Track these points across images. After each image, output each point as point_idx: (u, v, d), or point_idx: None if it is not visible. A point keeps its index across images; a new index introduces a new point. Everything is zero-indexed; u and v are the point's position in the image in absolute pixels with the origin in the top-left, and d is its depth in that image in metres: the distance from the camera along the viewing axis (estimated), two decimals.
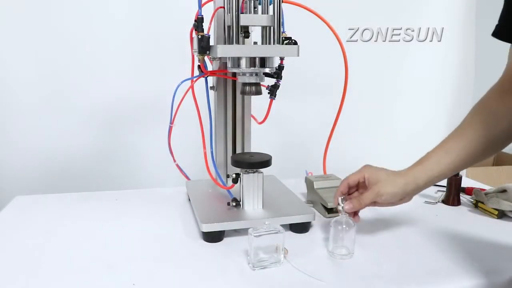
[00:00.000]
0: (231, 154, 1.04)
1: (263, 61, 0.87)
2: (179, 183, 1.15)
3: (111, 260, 0.80)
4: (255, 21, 0.88)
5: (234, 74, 0.98)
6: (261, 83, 0.92)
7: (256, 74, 0.89)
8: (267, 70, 0.89)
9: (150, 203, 1.09)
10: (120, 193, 1.16)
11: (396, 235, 0.91)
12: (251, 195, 0.93)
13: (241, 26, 0.86)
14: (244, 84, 0.90)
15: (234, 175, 0.96)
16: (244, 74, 0.89)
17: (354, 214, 0.89)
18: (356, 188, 0.91)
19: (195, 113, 0.98)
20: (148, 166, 1.47)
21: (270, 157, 0.94)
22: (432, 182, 0.86)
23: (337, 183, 1.06)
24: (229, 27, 0.85)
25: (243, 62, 0.87)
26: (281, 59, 0.93)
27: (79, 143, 1.42)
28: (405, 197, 0.87)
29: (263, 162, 0.92)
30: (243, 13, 0.87)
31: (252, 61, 0.87)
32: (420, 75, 1.64)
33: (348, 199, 0.87)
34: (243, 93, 0.91)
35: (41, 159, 1.41)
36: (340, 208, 0.85)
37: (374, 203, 0.87)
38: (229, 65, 0.89)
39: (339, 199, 0.85)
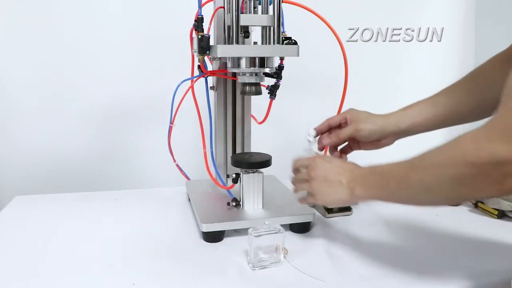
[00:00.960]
0: (231, 154, 1.04)
1: (263, 61, 0.87)
2: (179, 183, 1.15)
3: (111, 260, 0.80)
4: (255, 21, 0.89)
5: (234, 74, 0.98)
6: (261, 83, 0.92)
7: (256, 74, 0.89)
8: (267, 70, 0.89)
9: (150, 203, 1.09)
10: (120, 193, 1.16)
11: (396, 235, 0.91)
12: (251, 195, 0.93)
13: (241, 26, 0.86)
14: (244, 84, 0.90)
15: (234, 175, 0.96)
16: (244, 74, 0.89)
17: (341, 153, 0.94)
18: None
19: (195, 113, 0.98)
20: (148, 166, 1.47)
21: (270, 157, 0.94)
22: (415, 130, 0.88)
23: None
24: (229, 27, 0.85)
25: (243, 62, 0.87)
26: (281, 59, 0.93)
27: (79, 143, 1.42)
28: (385, 137, 0.89)
29: (263, 162, 0.92)
30: (243, 13, 0.87)
31: (252, 61, 0.87)
32: (420, 75, 1.64)
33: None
34: (243, 93, 0.91)
35: (41, 159, 1.41)
36: (308, 138, 0.89)
37: (354, 142, 0.92)
38: (229, 65, 0.89)
39: (311, 130, 0.90)
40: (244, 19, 0.86)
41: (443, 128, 0.89)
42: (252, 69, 0.87)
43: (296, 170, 0.88)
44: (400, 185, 0.67)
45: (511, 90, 0.56)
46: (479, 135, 0.55)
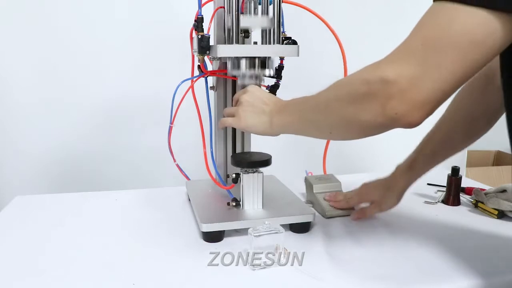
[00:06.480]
0: (231, 154, 1.04)
1: (263, 63, 0.87)
2: (179, 183, 1.15)
3: (111, 260, 0.80)
4: (255, 23, 0.88)
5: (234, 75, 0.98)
6: (261, 83, 0.92)
7: (256, 77, 0.89)
8: (267, 72, 0.89)
9: (150, 203, 1.09)
10: (120, 193, 1.16)
11: (396, 235, 0.91)
12: (251, 195, 0.93)
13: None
14: (244, 86, 0.90)
15: (234, 175, 0.96)
16: (244, 76, 0.89)
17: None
18: None
19: (195, 113, 0.98)
20: (148, 166, 1.47)
21: (270, 157, 0.94)
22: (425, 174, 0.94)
23: (336, 187, 1.06)
24: (229, 29, 0.86)
25: (243, 64, 0.87)
26: (281, 59, 0.93)
27: (79, 143, 1.43)
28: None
29: (263, 161, 0.92)
30: (243, 13, 0.87)
31: (252, 63, 0.87)
32: None
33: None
34: None
35: (41, 159, 1.41)
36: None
37: None
38: (229, 67, 0.89)
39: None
40: (244, 21, 0.86)
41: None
42: (252, 72, 0.87)
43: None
44: (308, 106, 0.73)
45: (419, 24, 0.57)
46: (380, 60, 0.58)
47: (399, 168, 0.94)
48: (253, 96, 0.83)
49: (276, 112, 0.79)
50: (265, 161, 0.92)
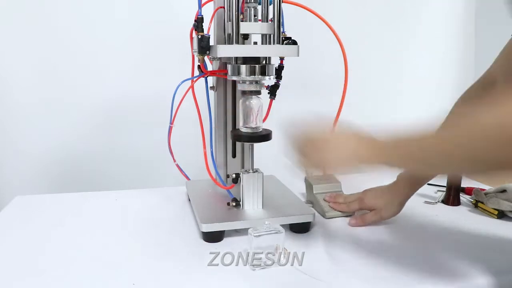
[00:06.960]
0: (231, 154, 1.04)
1: (263, 69, 0.87)
2: (179, 183, 1.15)
3: (111, 260, 0.80)
4: (256, 29, 0.88)
5: (234, 81, 0.97)
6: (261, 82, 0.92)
7: (257, 82, 0.89)
8: (267, 78, 0.89)
9: (150, 203, 1.09)
10: (120, 193, 1.16)
11: (396, 235, 0.91)
12: (251, 195, 0.93)
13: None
14: (244, 92, 0.90)
15: (234, 175, 0.96)
16: (244, 82, 0.89)
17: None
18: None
19: (195, 113, 0.98)
20: (148, 166, 1.47)
21: (271, 132, 0.92)
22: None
23: (336, 187, 1.06)
24: (229, 34, 0.86)
25: (243, 70, 0.87)
26: (281, 59, 0.93)
27: (79, 143, 1.43)
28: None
29: (264, 135, 0.90)
30: (243, 13, 0.87)
31: (252, 69, 0.87)
32: (420, 75, 1.64)
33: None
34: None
35: (41, 159, 1.41)
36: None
37: None
38: (229, 73, 0.89)
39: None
40: (244, 28, 0.86)
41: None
42: (252, 77, 0.87)
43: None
44: (424, 152, 0.66)
45: None
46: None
47: (401, 177, 0.94)
48: (339, 145, 0.76)
49: (373, 157, 0.73)
50: (266, 135, 0.90)
